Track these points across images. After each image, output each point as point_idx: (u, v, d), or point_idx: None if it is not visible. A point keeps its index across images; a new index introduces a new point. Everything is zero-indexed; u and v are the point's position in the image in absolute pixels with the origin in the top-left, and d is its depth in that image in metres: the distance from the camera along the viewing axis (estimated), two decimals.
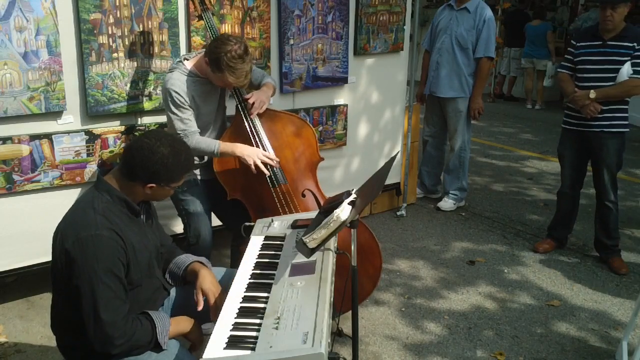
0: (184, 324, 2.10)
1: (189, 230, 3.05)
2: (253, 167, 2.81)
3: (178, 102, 2.76)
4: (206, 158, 2.98)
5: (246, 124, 2.93)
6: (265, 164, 2.85)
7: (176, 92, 2.75)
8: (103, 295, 1.85)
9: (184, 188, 2.94)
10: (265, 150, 2.90)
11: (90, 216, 1.91)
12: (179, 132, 2.78)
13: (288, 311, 1.78)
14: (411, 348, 3.05)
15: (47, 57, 2.94)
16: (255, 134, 2.93)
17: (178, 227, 3.44)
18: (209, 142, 2.83)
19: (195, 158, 2.94)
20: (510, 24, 9.51)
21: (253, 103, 2.89)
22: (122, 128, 3.25)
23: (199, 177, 3.00)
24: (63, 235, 1.92)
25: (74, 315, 1.89)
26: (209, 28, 2.93)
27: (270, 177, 2.92)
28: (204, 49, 2.82)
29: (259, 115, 2.95)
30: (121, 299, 1.89)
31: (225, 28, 3.42)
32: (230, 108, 3.13)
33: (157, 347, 1.97)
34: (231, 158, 2.92)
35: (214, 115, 2.97)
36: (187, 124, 2.79)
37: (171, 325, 2.03)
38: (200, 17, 2.97)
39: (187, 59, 2.87)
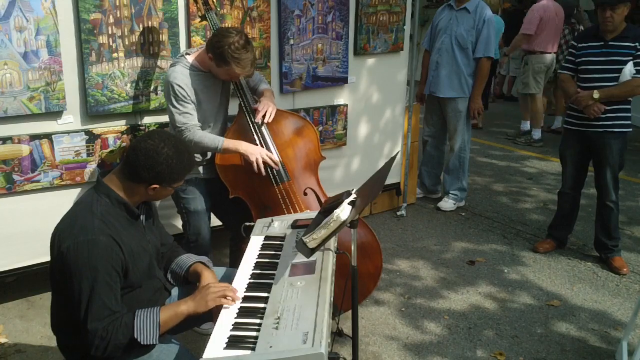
0: (184, 306, 1.99)
1: (189, 228, 3.06)
2: (255, 165, 2.82)
3: (180, 95, 2.76)
4: (209, 155, 2.99)
5: (249, 123, 2.94)
6: (266, 165, 2.86)
7: (179, 86, 2.76)
8: (92, 302, 1.84)
9: (184, 186, 2.95)
10: (269, 149, 2.91)
11: (88, 220, 1.90)
12: (179, 125, 2.78)
13: (288, 311, 1.78)
14: (411, 348, 3.05)
15: (47, 57, 2.94)
16: (258, 132, 2.93)
17: (179, 226, 3.43)
18: (212, 138, 2.83)
19: (197, 156, 2.95)
20: (510, 24, 9.49)
21: (264, 115, 2.90)
22: (122, 128, 3.26)
23: (200, 176, 3.01)
24: (60, 238, 1.91)
25: (73, 315, 1.89)
26: (213, 28, 2.93)
27: (272, 174, 2.93)
28: (205, 44, 2.83)
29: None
30: (108, 308, 1.86)
31: None
32: (232, 108, 3.14)
33: (147, 345, 1.93)
34: (234, 157, 2.93)
35: (215, 111, 2.97)
36: (188, 117, 2.79)
37: (166, 315, 1.96)
38: (203, 18, 2.98)
39: (189, 54, 2.88)
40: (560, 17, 6.93)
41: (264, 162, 2.85)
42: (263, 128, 2.95)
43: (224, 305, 1.92)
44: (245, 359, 1.64)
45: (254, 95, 3.07)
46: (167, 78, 2.81)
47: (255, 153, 2.83)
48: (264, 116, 2.91)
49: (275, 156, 2.93)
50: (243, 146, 2.84)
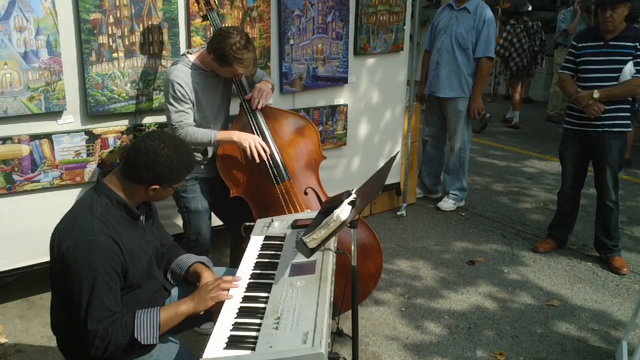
0: (183, 306, 2.00)
1: (189, 228, 3.06)
2: (248, 150, 2.81)
3: (179, 94, 2.77)
4: (209, 154, 2.99)
5: (250, 122, 2.94)
6: (262, 159, 2.86)
7: (178, 84, 2.76)
8: (92, 303, 1.84)
9: (185, 186, 2.95)
10: (269, 148, 2.91)
11: (88, 221, 1.90)
12: (174, 123, 2.80)
13: (288, 311, 1.78)
14: (411, 348, 3.05)
15: (47, 57, 2.94)
16: (258, 132, 2.93)
17: (179, 226, 3.43)
18: (205, 132, 2.84)
19: (198, 155, 2.95)
20: None
21: (255, 94, 2.90)
22: (122, 128, 3.26)
23: (201, 175, 3.01)
24: (60, 238, 1.91)
25: (73, 315, 1.89)
26: (215, 28, 2.93)
27: (273, 173, 2.93)
28: (206, 44, 2.83)
29: (263, 113, 2.96)
30: (108, 309, 1.86)
31: None
32: (234, 108, 3.14)
33: (147, 345, 1.93)
34: (234, 155, 2.93)
35: (216, 110, 2.97)
36: (183, 116, 2.80)
37: (166, 315, 1.96)
38: (205, 18, 2.98)
39: (190, 53, 2.89)
40: None
41: (260, 155, 2.85)
42: (263, 126, 2.95)
43: (224, 304, 1.92)
44: (245, 359, 1.64)
45: None
46: (167, 76, 2.82)
47: (249, 139, 2.83)
48: (255, 99, 2.89)
49: (274, 150, 2.92)
50: (236, 135, 2.84)
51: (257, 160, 2.84)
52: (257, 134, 2.93)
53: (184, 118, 2.80)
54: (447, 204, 4.90)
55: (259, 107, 2.92)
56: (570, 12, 7.82)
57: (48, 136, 3.06)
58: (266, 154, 2.88)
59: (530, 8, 7.61)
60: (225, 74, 2.81)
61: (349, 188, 2.14)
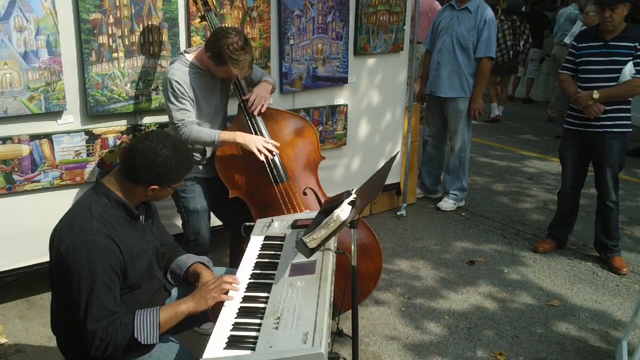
0: (183, 305, 1.99)
1: (188, 228, 3.06)
2: (257, 152, 2.81)
3: (178, 91, 2.77)
4: (208, 154, 2.99)
5: (248, 122, 2.94)
6: (266, 157, 2.86)
7: (176, 82, 2.76)
8: (91, 303, 1.84)
9: (184, 186, 2.95)
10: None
11: (87, 221, 1.90)
12: (176, 122, 2.79)
13: (288, 311, 1.78)
14: (411, 348, 3.05)
15: (47, 57, 2.94)
16: (257, 133, 2.93)
17: (179, 226, 3.43)
18: (209, 132, 2.83)
19: (197, 155, 2.95)
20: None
21: (254, 100, 2.90)
22: (122, 128, 3.26)
23: (200, 175, 3.01)
24: (59, 238, 1.91)
25: (73, 316, 1.89)
26: (213, 28, 2.93)
27: (272, 174, 2.93)
28: (204, 43, 2.83)
29: (261, 114, 2.96)
30: (107, 309, 1.86)
31: None
32: (232, 108, 3.14)
33: (147, 345, 1.93)
34: (233, 156, 2.93)
35: (214, 110, 2.96)
36: (185, 114, 2.80)
37: (166, 314, 1.96)
38: (203, 18, 2.98)
39: (188, 52, 2.89)
40: (433, 12, 6.98)
41: (263, 153, 2.85)
42: (262, 127, 2.95)
43: (224, 305, 1.92)
44: (245, 359, 1.64)
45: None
46: (165, 75, 2.82)
47: (254, 141, 2.83)
48: (253, 104, 2.89)
49: (272, 141, 2.93)
50: (240, 136, 2.84)
51: (263, 160, 2.84)
52: (257, 134, 2.92)
53: (186, 116, 2.80)
54: (447, 204, 4.90)
55: (256, 113, 2.92)
56: (578, 10, 7.82)
57: (48, 136, 3.06)
58: (272, 153, 2.87)
59: (523, 8, 7.65)
60: (220, 73, 2.81)
61: (349, 188, 2.14)
